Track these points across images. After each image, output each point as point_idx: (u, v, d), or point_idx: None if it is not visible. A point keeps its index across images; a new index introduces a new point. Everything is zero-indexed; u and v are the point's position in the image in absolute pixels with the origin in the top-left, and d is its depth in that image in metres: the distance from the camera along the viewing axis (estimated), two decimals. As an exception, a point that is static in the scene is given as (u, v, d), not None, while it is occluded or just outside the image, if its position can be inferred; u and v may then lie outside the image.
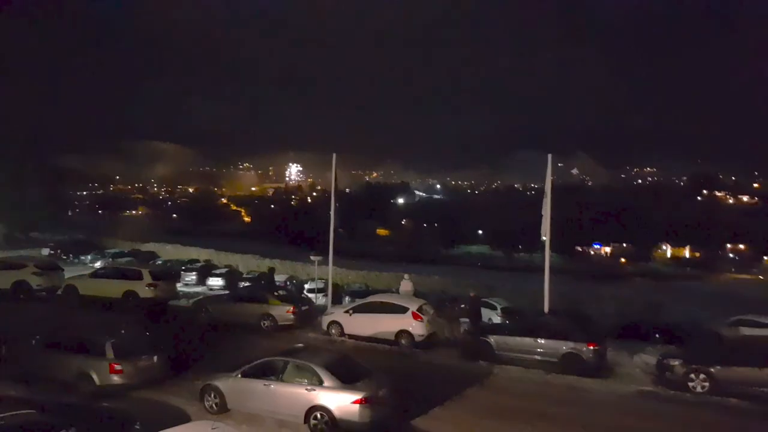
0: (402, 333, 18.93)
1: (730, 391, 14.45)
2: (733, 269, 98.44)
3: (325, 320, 20.67)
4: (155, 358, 14.62)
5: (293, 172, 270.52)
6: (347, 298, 30.07)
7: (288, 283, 39.59)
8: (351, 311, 20.20)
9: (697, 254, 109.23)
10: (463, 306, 22.58)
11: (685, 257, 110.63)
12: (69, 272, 28.37)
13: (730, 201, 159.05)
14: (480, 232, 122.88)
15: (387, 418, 11.92)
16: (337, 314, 20.51)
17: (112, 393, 13.58)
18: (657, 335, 23.54)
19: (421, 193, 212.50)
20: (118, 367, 13.80)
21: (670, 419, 13.28)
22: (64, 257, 49.72)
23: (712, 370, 14.83)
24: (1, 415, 9.24)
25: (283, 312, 21.39)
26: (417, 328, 18.81)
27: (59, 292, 24.75)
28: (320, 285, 32.18)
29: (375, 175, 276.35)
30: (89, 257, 49.47)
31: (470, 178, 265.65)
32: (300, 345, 15.17)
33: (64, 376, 14.12)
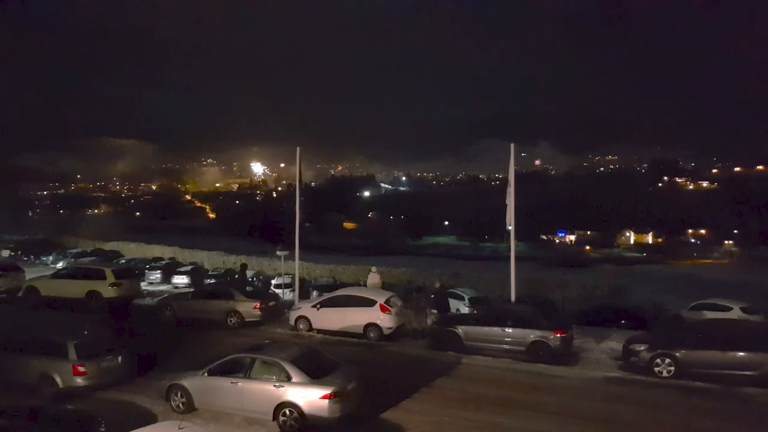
0: (370, 326, 19.00)
1: (695, 374, 14.77)
2: (695, 254, 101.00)
3: (293, 315, 20.60)
4: (119, 358, 14.39)
5: (257, 166, 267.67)
6: (315, 293, 29.96)
7: (255, 278, 39.30)
8: (318, 306, 20.16)
9: (660, 240, 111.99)
10: (432, 296, 22.75)
11: (648, 243, 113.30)
12: (31, 273, 27.73)
13: (690, 187, 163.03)
14: (446, 222, 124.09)
15: (356, 412, 11.96)
16: (305, 309, 20.45)
17: (76, 395, 13.33)
18: (622, 321, 24.00)
19: (386, 186, 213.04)
20: (81, 368, 13.54)
21: (638, 403, 13.53)
22: (26, 258, 48.41)
23: (677, 354, 15.12)
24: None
25: (250, 308, 21.26)
26: (385, 321, 18.90)
27: (20, 293, 24.18)
28: (287, 280, 32.01)
29: (340, 168, 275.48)
30: (51, 258, 48.18)
31: (435, 169, 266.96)
32: (267, 341, 15.10)
33: (26, 379, 13.80)
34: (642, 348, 15.83)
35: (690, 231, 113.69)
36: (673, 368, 15.15)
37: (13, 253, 50.05)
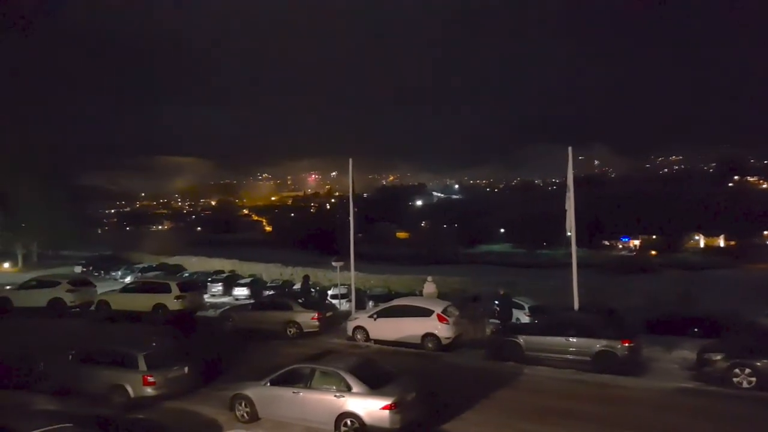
0: (428, 336, 18.87)
1: None
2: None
3: (350, 326, 20.71)
4: (186, 368, 14.81)
5: (310, 179, 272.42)
6: (371, 303, 30.06)
7: (312, 289, 39.80)
8: (375, 316, 20.18)
9: (732, 243, 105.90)
10: (495, 303, 22.43)
11: (719, 246, 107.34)
12: (101, 288, 28.96)
13: (765, 185, 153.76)
14: (502, 230, 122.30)
15: (417, 423, 11.88)
16: (362, 319, 20.53)
17: (146, 404, 13.76)
18: (695, 329, 22.79)
19: (438, 194, 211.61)
20: (151, 379, 14.00)
21: (713, 416, 12.79)
22: (96, 274, 50.76)
23: (759, 363, 14.22)
24: (40, 430, 9.44)
25: (308, 319, 21.57)
26: (443, 331, 18.74)
27: (92, 307, 25.30)
28: (343, 290, 32.28)
29: (391, 178, 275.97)
30: (120, 273, 50.43)
31: (487, 176, 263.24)
32: (325, 351, 15.23)
33: (98, 389, 14.30)
34: (718, 357, 14.93)
35: (766, 233, 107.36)
36: (754, 379, 14.19)
37: (84, 269, 52.64)
